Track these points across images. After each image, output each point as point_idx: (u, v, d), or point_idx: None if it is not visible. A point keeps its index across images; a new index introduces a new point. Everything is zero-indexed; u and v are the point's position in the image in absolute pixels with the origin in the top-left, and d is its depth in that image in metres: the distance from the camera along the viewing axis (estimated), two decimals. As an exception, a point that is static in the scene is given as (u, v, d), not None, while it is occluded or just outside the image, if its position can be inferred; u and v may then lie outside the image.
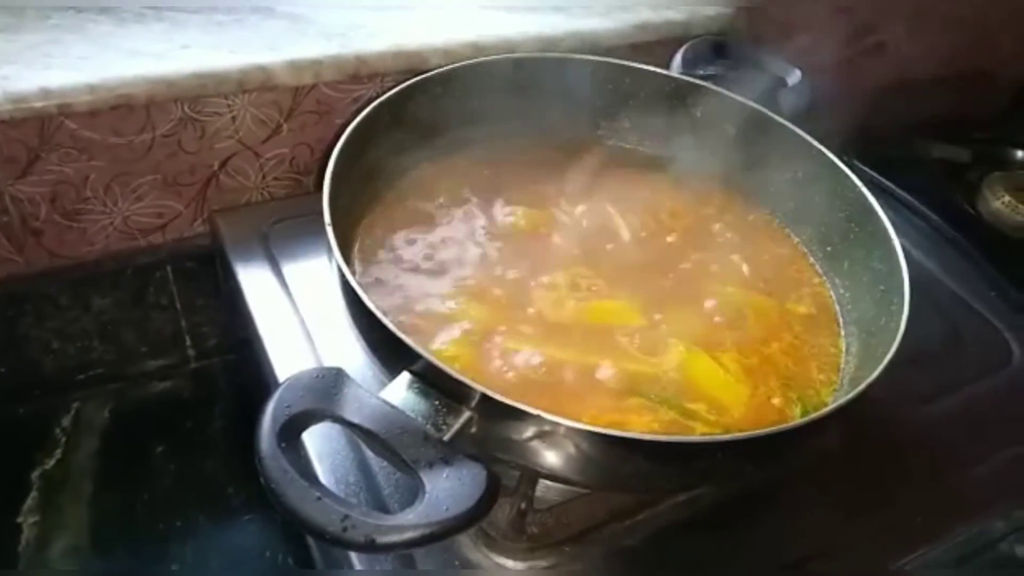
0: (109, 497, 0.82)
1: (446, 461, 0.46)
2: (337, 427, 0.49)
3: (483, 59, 0.76)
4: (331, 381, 0.48)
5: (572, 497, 0.62)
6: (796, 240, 0.77)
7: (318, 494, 0.42)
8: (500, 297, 0.65)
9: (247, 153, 0.85)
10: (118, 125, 0.76)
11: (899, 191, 0.98)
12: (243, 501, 0.83)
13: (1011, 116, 1.00)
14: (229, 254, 0.79)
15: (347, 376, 0.48)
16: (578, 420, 0.46)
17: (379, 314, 0.50)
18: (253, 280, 0.77)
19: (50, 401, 0.89)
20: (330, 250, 0.55)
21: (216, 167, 0.84)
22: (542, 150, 0.80)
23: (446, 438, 0.47)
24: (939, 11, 1.04)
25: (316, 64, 0.81)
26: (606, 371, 0.60)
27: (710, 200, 0.79)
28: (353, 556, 0.57)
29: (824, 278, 0.74)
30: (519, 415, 0.46)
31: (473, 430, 0.48)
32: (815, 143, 0.73)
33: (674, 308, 0.66)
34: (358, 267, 0.66)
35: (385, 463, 0.60)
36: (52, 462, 0.84)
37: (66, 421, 0.88)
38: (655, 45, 0.94)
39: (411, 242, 0.69)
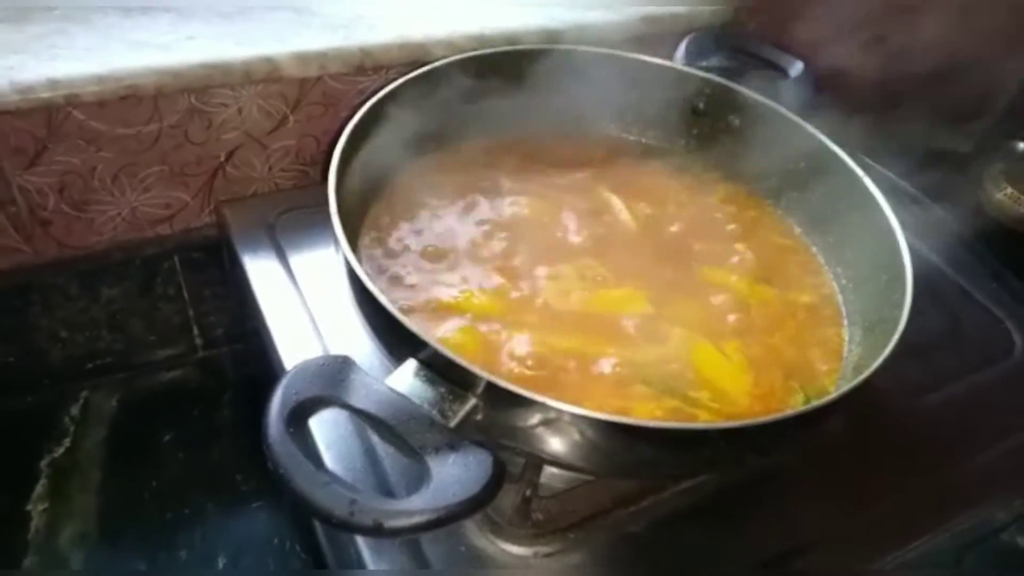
0: (118, 485, 0.83)
1: (452, 447, 0.46)
2: (343, 414, 0.49)
3: (485, 51, 0.76)
4: (338, 368, 0.48)
5: (576, 484, 0.63)
6: (798, 230, 0.77)
7: (326, 479, 0.43)
8: (505, 286, 0.65)
9: (253, 144, 0.85)
10: (126, 116, 0.76)
11: (901, 182, 0.98)
12: (251, 489, 0.84)
13: (1014, 107, 1.00)
14: (236, 244, 0.80)
15: (354, 364, 0.49)
16: (582, 407, 0.47)
17: (386, 302, 0.50)
18: (260, 270, 0.77)
19: (59, 390, 0.90)
20: (337, 240, 0.55)
21: (223, 158, 0.84)
22: (546, 141, 0.80)
23: (452, 425, 0.47)
24: (940, 1, 1.04)
25: (321, 56, 0.81)
26: (610, 359, 0.61)
27: (714, 190, 0.80)
28: (364, 550, 0.58)
29: (826, 268, 0.74)
30: (524, 402, 0.47)
31: (479, 417, 0.49)
32: (817, 134, 0.74)
33: (678, 297, 0.67)
34: (364, 256, 0.66)
35: (391, 450, 0.61)
36: (61, 450, 0.85)
37: (75, 410, 0.89)
38: (658, 37, 0.94)
39: (417, 232, 0.69)
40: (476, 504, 0.44)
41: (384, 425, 0.47)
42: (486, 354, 0.60)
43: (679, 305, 0.66)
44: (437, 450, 0.46)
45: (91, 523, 0.80)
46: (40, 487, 0.81)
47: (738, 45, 0.87)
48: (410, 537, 0.58)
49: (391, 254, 0.67)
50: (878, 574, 0.63)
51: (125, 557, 0.78)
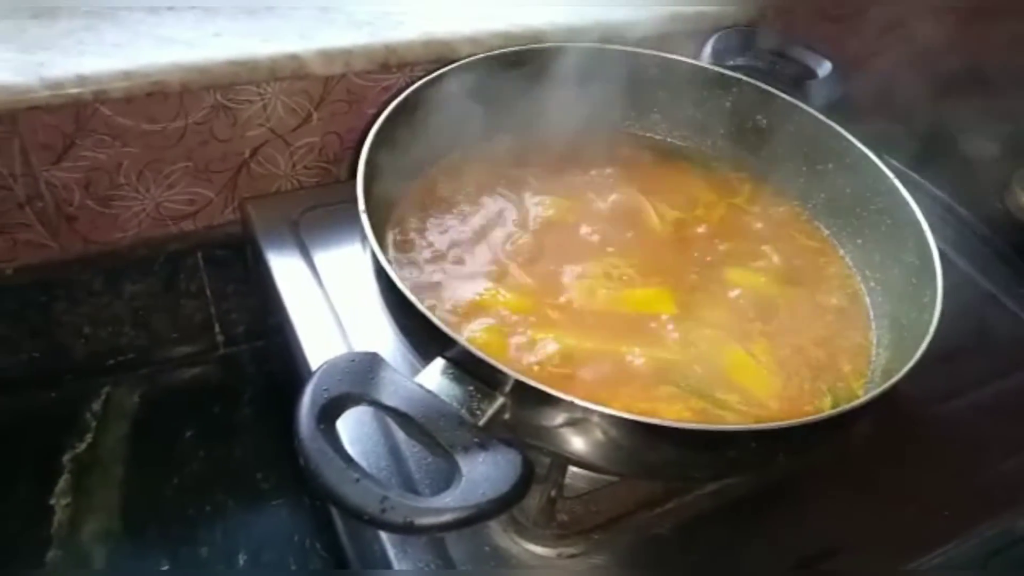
0: (139, 481, 0.83)
1: (482, 446, 0.46)
2: (369, 412, 0.49)
3: (510, 49, 0.76)
4: (367, 366, 0.48)
5: (601, 485, 0.62)
6: (826, 232, 0.77)
7: (357, 475, 0.43)
8: (531, 285, 0.65)
9: (278, 141, 0.85)
10: (152, 112, 0.77)
11: (928, 185, 0.97)
12: (271, 486, 0.84)
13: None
14: (260, 241, 0.80)
15: (383, 361, 0.49)
16: (609, 407, 0.46)
17: (415, 300, 0.50)
18: (284, 267, 0.77)
19: (81, 385, 0.90)
20: (364, 237, 0.55)
21: (247, 155, 0.85)
22: (573, 140, 0.79)
23: (481, 423, 0.47)
24: (969, 1, 1.03)
25: (346, 53, 0.81)
26: (637, 359, 0.60)
27: (740, 191, 0.79)
28: (388, 548, 0.57)
29: (855, 270, 0.73)
30: (552, 401, 0.47)
31: (506, 416, 0.49)
32: (846, 134, 0.73)
33: (705, 298, 0.66)
34: (391, 254, 0.66)
35: (416, 448, 0.61)
36: (83, 446, 0.85)
37: (97, 405, 0.89)
38: (685, 36, 0.94)
39: (443, 230, 0.69)
40: (506, 503, 0.44)
41: (414, 423, 0.47)
42: (512, 353, 0.60)
43: (705, 305, 0.66)
44: (467, 449, 0.46)
45: (113, 518, 0.80)
46: (63, 481, 0.82)
47: (765, 44, 0.86)
48: (439, 535, 0.58)
49: (416, 252, 0.67)
50: (906, 574, 0.62)
51: (147, 552, 0.79)
